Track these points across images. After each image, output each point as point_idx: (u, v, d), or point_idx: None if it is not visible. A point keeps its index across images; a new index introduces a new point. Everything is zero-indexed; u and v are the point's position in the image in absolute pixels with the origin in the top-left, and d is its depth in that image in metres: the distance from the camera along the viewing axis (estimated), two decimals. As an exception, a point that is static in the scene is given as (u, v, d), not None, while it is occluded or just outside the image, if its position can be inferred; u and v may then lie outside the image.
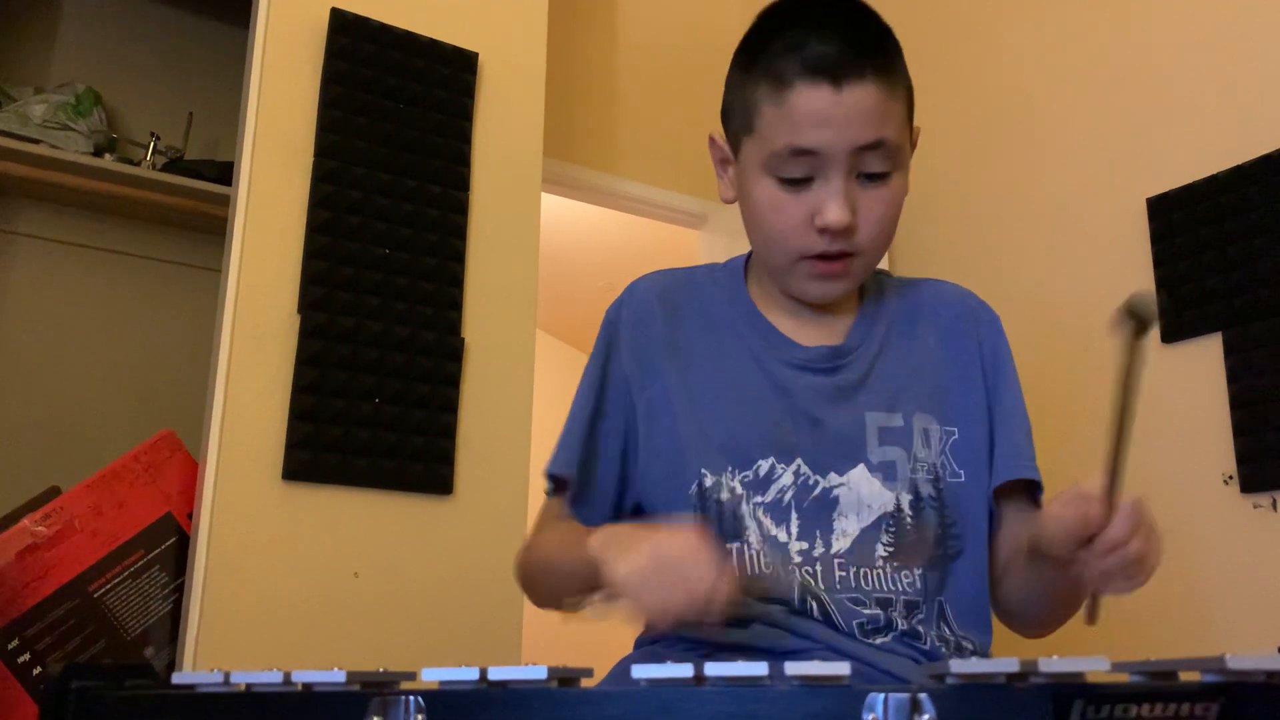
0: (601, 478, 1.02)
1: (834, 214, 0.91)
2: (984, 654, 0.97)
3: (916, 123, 1.00)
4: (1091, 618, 0.88)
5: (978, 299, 1.09)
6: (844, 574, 0.92)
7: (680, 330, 1.03)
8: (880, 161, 0.92)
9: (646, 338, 1.03)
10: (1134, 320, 0.70)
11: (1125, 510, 0.78)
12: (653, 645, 0.97)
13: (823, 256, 0.94)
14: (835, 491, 0.95)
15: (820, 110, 0.89)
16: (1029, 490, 1.02)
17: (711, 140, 1.04)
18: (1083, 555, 0.79)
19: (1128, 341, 0.71)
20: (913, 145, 1.00)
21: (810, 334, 1.02)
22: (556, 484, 1.04)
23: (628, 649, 1.03)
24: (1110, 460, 0.77)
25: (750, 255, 1.09)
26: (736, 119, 0.98)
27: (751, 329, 1.03)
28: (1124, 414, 0.75)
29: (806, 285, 0.98)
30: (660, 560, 0.79)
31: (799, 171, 0.92)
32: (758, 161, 0.95)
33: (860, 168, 0.92)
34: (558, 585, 0.97)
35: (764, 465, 0.95)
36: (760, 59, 0.94)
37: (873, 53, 0.91)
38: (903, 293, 1.08)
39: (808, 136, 0.90)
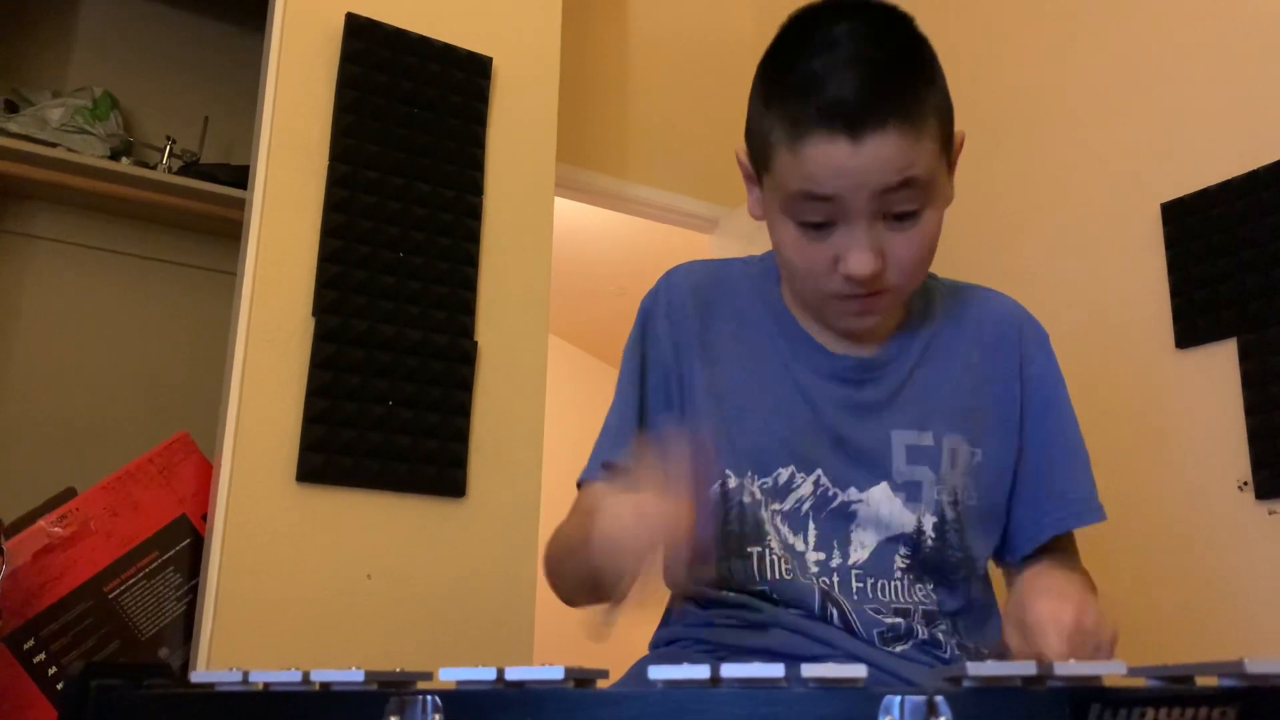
0: None
1: (856, 265, 0.85)
2: None
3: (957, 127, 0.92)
4: None
5: (1026, 314, 1.05)
6: (861, 585, 0.91)
7: (711, 328, 1.00)
8: (908, 200, 0.85)
9: (680, 331, 1.00)
10: None
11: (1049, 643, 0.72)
12: (669, 646, 0.97)
13: (854, 296, 0.89)
14: (854, 506, 0.93)
15: (835, 164, 0.82)
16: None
17: (739, 157, 0.99)
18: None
19: None
20: (957, 151, 0.92)
21: (837, 341, 0.98)
22: (606, 471, 0.99)
23: (642, 651, 1.03)
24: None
25: None
26: (756, 149, 0.92)
27: (781, 332, 1.00)
28: None
29: (839, 321, 0.94)
30: (625, 514, 0.75)
31: (818, 216, 0.86)
32: (775, 202, 0.89)
33: (887, 209, 0.85)
34: (576, 573, 0.91)
35: (784, 474, 0.94)
36: (776, 95, 0.86)
37: (894, 95, 0.82)
38: (949, 301, 1.03)
39: (824, 186, 0.83)
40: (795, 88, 0.84)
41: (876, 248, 0.85)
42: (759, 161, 0.91)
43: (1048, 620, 0.73)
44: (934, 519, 0.93)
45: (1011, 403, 1.00)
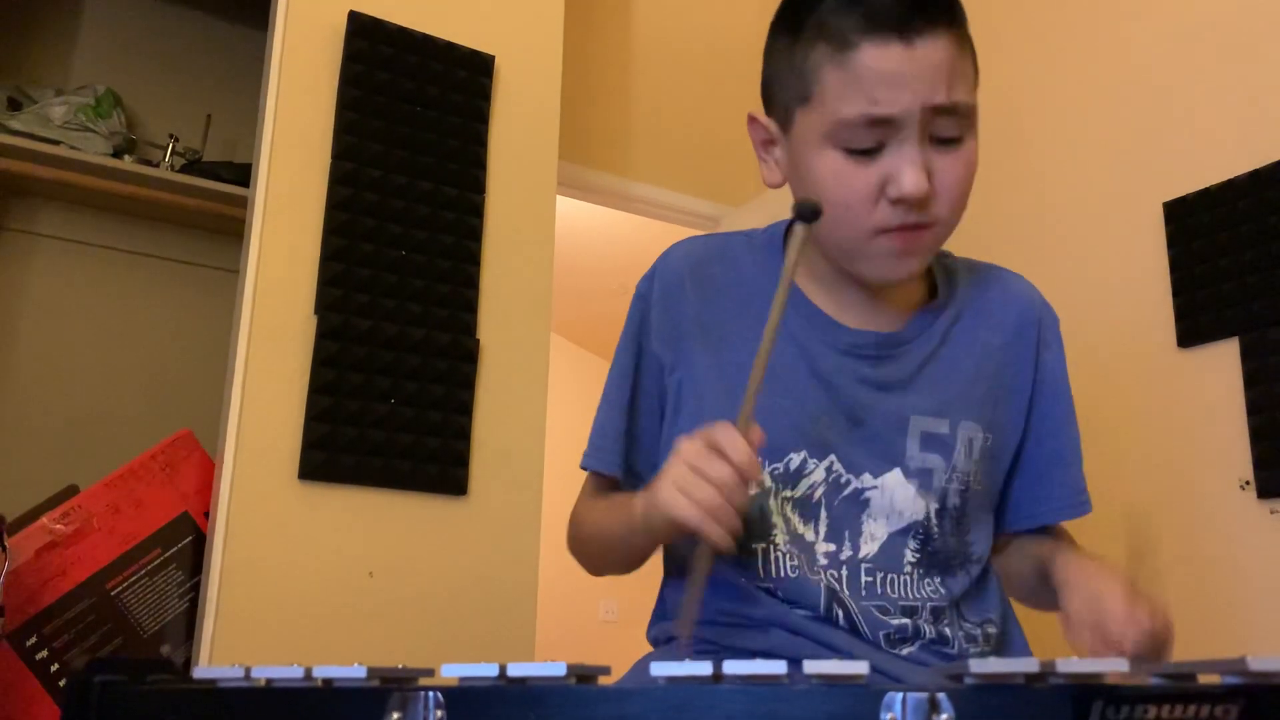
0: (643, 464, 0.98)
1: (910, 183, 0.83)
2: (1008, 632, 0.96)
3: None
4: None
5: (1042, 300, 1.04)
6: (870, 579, 0.89)
7: (713, 307, 0.97)
8: (954, 125, 0.84)
9: (676, 316, 0.97)
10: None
11: (1137, 630, 0.77)
12: (670, 644, 0.97)
13: (899, 229, 0.86)
14: (867, 493, 0.91)
15: (892, 70, 0.81)
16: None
17: (751, 120, 0.95)
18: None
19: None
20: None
21: (855, 316, 0.95)
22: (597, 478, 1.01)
23: (643, 650, 1.02)
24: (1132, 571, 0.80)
25: (791, 223, 1.00)
26: (787, 90, 0.88)
27: (792, 307, 0.95)
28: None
29: (882, 265, 0.89)
30: (689, 459, 0.77)
31: (869, 140, 0.83)
32: (819, 133, 0.85)
33: (933, 131, 0.84)
34: (615, 552, 0.96)
35: (795, 459, 0.91)
36: (811, 20, 0.85)
37: (940, 1, 0.83)
38: (971, 281, 1.01)
39: (880, 101, 0.82)
40: (836, 8, 0.84)
41: (926, 167, 0.84)
42: (793, 100, 0.88)
43: (1127, 622, 0.77)
44: (938, 506, 0.92)
45: (1025, 387, 0.99)
